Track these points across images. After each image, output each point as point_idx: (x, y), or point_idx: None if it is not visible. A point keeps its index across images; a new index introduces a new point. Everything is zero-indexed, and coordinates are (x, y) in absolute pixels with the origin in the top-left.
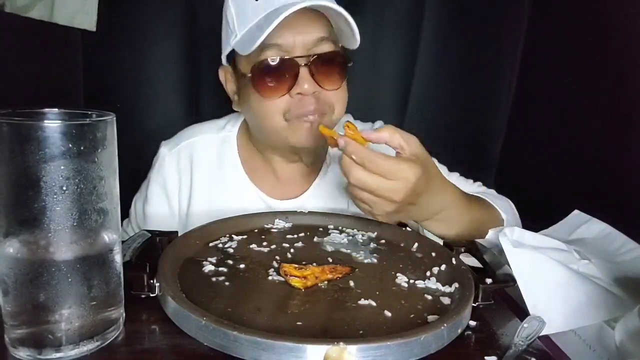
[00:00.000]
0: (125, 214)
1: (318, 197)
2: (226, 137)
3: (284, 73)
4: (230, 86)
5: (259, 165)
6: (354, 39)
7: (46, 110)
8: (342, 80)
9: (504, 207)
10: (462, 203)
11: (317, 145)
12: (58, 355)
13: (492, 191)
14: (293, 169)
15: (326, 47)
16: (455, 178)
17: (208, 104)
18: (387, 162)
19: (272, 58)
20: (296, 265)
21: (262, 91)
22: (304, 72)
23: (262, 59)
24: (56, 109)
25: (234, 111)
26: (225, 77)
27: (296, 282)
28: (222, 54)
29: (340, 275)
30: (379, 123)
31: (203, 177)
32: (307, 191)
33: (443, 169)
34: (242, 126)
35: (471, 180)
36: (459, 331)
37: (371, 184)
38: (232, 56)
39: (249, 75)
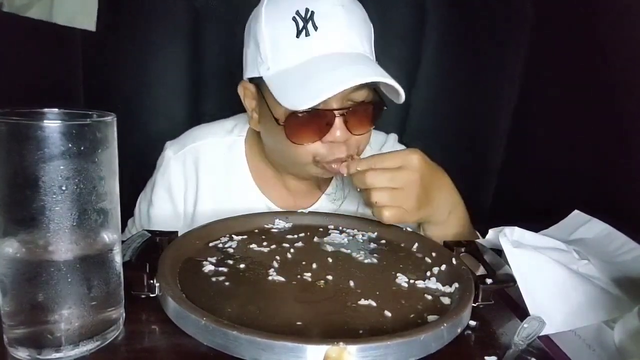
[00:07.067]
0: (125, 215)
1: (327, 209)
2: (234, 142)
3: (318, 122)
4: (249, 103)
5: (269, 175)
6: (399, 97)
7: (46, 110)
8: (373, 124)
9: None
10: (463, 205)
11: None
12: (58, 355)
13: None
14: (304, 183)
15: (363, 94)
16: None
17: (210, 105)
18: (389, 153)
19: (309, 110)
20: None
21: (294, 139)
22: (338, 122)
23: (299, 110)
24: (56, 109)
25: (240, 111)
26: (245, 93)
27: None
28: (243, 71)
29: None
30: (392, 136)
31: (209, 182)
32: (317, 202)
33: None
34: (251, 132)
35: None
36: (459, 331)
37: (385, 178)
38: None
39: (282, 124)
